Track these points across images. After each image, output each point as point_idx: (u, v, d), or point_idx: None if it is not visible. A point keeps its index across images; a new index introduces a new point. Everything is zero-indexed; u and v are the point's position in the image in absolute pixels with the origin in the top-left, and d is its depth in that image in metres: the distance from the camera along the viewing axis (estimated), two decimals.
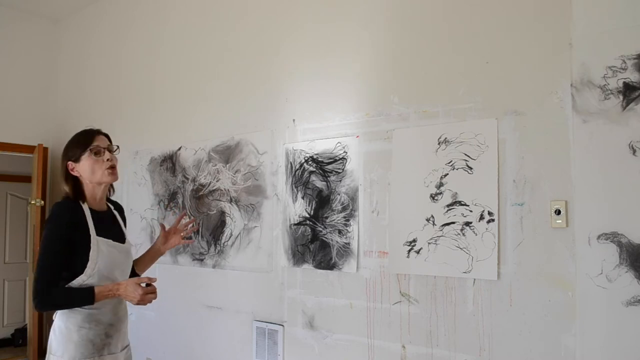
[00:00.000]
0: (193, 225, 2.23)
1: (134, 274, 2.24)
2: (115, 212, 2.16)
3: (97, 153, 1.97)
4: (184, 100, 3.95)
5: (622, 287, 2.01)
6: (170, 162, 3.95)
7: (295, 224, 3.10)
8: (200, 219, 3.67)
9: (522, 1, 2.35)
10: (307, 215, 3.04)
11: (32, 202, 4.99)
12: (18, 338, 5.69)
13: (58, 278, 1.89)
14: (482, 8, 2.46)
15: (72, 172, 1.99)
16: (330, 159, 2.96)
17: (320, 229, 2.97)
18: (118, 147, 2.09)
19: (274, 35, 3.35)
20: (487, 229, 2.36)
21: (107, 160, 1.98)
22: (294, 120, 3.18)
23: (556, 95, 2.23)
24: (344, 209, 2.88)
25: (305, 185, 3.06)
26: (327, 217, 2.95)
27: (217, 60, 3.72)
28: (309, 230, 3.03)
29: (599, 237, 2.08)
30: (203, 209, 3.67)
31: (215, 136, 3.64)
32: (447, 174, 2.50)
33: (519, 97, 2.32)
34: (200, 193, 3.70)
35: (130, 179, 4.23)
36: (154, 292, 1.91)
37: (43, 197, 5.06)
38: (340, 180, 2.90)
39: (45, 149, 5.20)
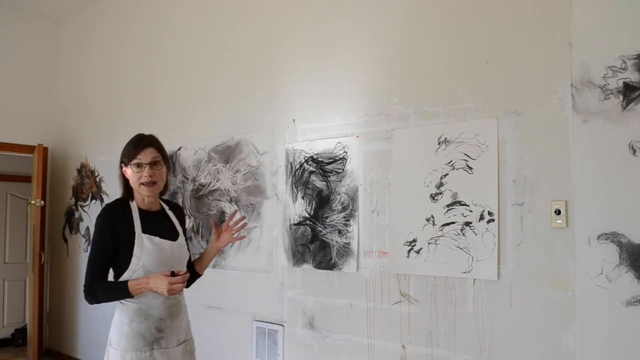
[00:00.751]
0: (244, 223, 2.27)
1: (195, 273, 2.31)
2: (170, 212, 2.23)
3: (139, 166, 2.04)
4: (184, 100, 3.95)
5: (622, 287, 2.01)
6: (170, 162, 3.95)
7: (295, 224, 3.10)
8: (200, 219, 3.67)
9: (522, 1, 2.35)
10: (307, 215, 3.04)
11: (32, 202, 4.98)
12: (18, 338, 5.69)
13: (103, 273, 2.00)
14: (482, 8, 2.46)
15: (124, 173, 2.10)
16: (330, 159, 2.96)
17: (320, 229, 2.97)
18: (164, 160, 2.12)
19: (274, 35, 3.35)
20: (487, 229, 2.36)
21: (144, 177, 2.04)
22: (294, 120, 3.18)
23: (556, 95, 2.23)
24: (344, 209, 2.88)
25: (305, 185, 3.06)
26: (327, 217, 2.95)
27: (217, 60, 3.72)
28: (309, 230, 3.03)
29: (599, 237, 2.08)
30: (203, 209, 3.67)
31: (215, 136, 3.64)
32: (447, 174, 2.50)
33: (519, 97, 2.32)
34: (200, 193, 3.70)
35: None
36: (180, 281, 1.97)
37: (43, 197, 5.06)
38: (340, 180, 2.90)
39: (45, 149, 5.20)
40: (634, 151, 2.02)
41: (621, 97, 2.06)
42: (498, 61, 2.40)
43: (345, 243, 2.86)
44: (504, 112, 2.36)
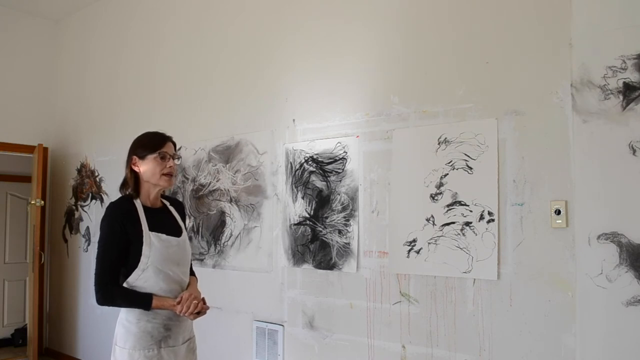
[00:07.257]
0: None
1: None
2: (171, 208, 2.25)
3: (163, 158, 2.10)
4: (184, 100, 3.95)
5: (622, 287, 2.01)
6: None
7: (295, 224, 3.10)
8: (201, 219, 3.67)
9: (522, 1, 2.35)
10: (307, 215, 3.04)
11: (32, 202, 4.98)
12: (18, 338, 5.69)
13: (115, 274, 2.00)
14: (483, 8, 2.46)
15: (133, 167, 2.11)
16: (330, 159, 2.96)
17: (320, 229, 2.97)
18: (180, 157, 2.17)
19: (274, 35, 3.35)
20: (487, 229, 2.36)
21: (169, 167, 2.10)
22: (294, 120, 3.18)
23: (556, 95, 2.23)
24: (344, 209, 2.88)
25: (305, 185, 3.06)
26: (327, 217, 2.95)
27: (217, 60, 3.72)
28: (309, 230, 3.03)
29: (599, 237, 2.08)
30: (203, 209, 3.67)
31: (215, 136, 3.64)
32: (447, 174, 2.50)
33: (519, 97, 2.32)
34: (200, 193, 3.70)
35: None
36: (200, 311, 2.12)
37: (43, 197, 5.06)
38: (340, 180, 2.90)
39: (45, 149, 5.20)
40: (634, 151, 2.02)
41: (621, 97, 2.06)
42: (498, 61, 2.40)
43: (345, 243, 2.86)
44: (504, 112, 2.36)
